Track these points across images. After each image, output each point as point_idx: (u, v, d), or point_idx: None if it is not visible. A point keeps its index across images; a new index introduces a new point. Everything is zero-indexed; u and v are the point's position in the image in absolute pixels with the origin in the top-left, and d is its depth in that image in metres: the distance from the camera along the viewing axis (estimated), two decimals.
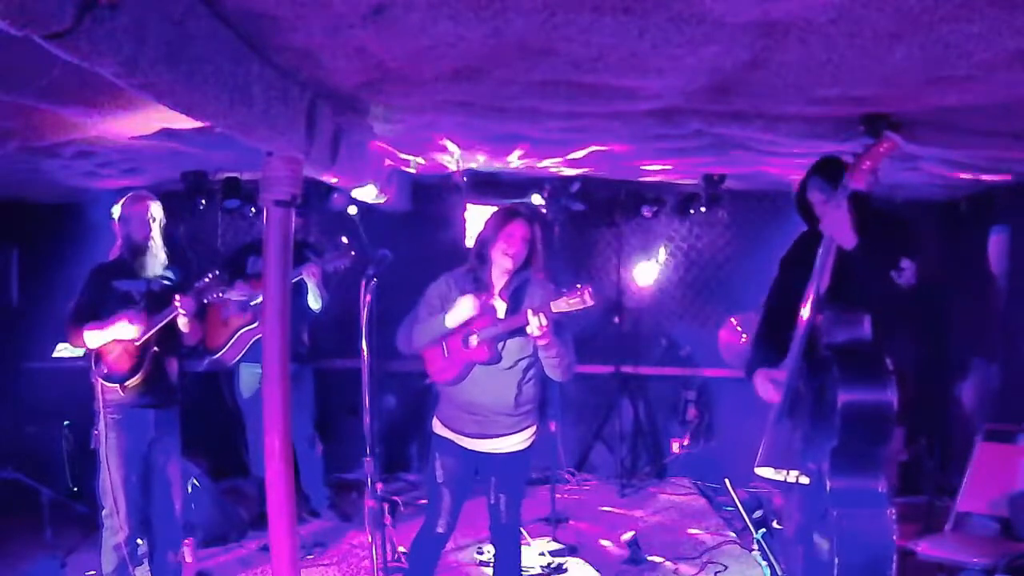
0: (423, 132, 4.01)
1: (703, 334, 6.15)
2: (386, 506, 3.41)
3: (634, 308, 6.33)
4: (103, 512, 3.59)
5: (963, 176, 4.66)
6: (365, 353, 3.08)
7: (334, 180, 3.80)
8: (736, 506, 3.91)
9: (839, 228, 2.91)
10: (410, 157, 4.84)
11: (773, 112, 3.31)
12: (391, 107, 3.42)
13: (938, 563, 3.69)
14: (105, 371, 3.55)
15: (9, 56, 2.31)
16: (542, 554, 4.41)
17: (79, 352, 3.72)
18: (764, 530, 3.57)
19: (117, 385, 3.55)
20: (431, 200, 5.92)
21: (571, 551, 4.59)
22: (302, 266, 4.54)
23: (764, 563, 3.56)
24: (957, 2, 2.02)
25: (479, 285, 3.21)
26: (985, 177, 4.68)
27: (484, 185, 5.64)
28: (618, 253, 6.27)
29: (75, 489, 4.95)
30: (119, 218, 3.70)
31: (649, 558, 4.52)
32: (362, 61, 2.68)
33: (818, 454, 2.95)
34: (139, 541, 3.81)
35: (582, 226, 6.21)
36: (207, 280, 3.65)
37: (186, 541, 3.82)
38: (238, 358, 4.72)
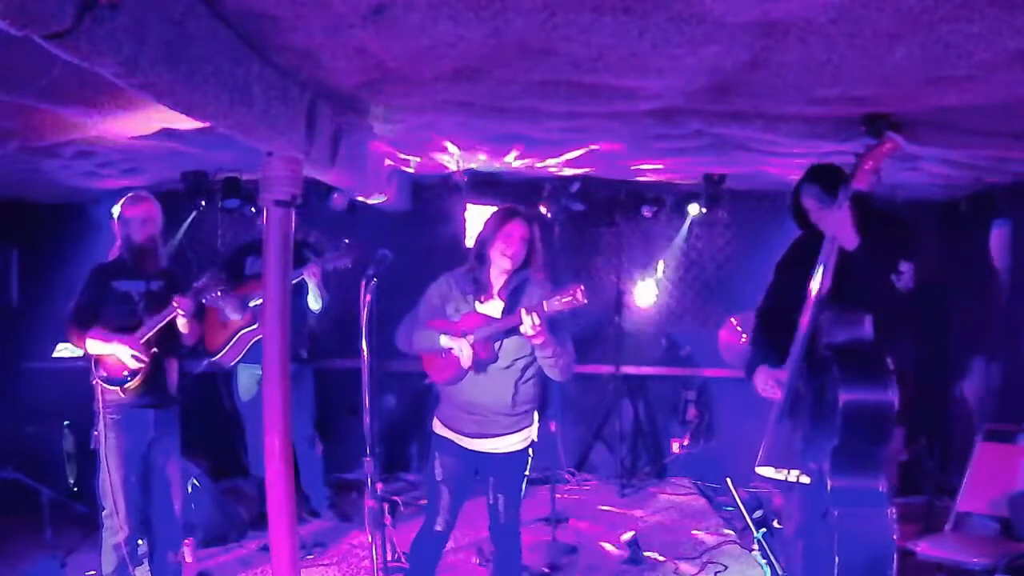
0: (423, 132, 4.01)
1: (703, 334, 6.15)
2: (386, 506, 3.40)
3: (634, 308, 6.33)
4: (103, 512, 3.59)
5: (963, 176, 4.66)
6: (365, 353, 3.08)
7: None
8: (736, 506, 3.91)
9: (841, 228, 2.91)
10: (410, 157, 4.84)
11: (773, 112, 3.31)
12: (391, 107, 3.43)
13: (938, 563, 3.69)
14: (105, 374, 3.55)
15: (9, 56, 2.31)
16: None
17: (79, 352, 3.72)
18: (764, 530, 3.57)
19: (117, 387, 3.55)
20: (431, 200, 5.92)
21: (571, 551, 4.60)
22: (303, 267, 4.54)
23: (764, 563, 3.56)
24: (957, 2, 2.02)
25: (478, 285, 3.22)
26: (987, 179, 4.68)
27: (484, 185, 5.64)
28: (618, 253, 6.27)
29: (75, 489, 4.95)
30: (118, 218, 3.70)
31: (649, 557, 4.52)
32: (362, 61, 2.68)
33: (819, 454, 2.95)
34: (139, 541, 3.80)
35: (582, 226, 6.20)
36: (205, 280, 3.65)
37: (186, 541, 3.82)
38: (237, 359, 4.72)
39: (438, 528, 3.27)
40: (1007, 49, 2.33)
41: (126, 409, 3.59)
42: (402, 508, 4.98)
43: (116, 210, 3.72)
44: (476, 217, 5.46)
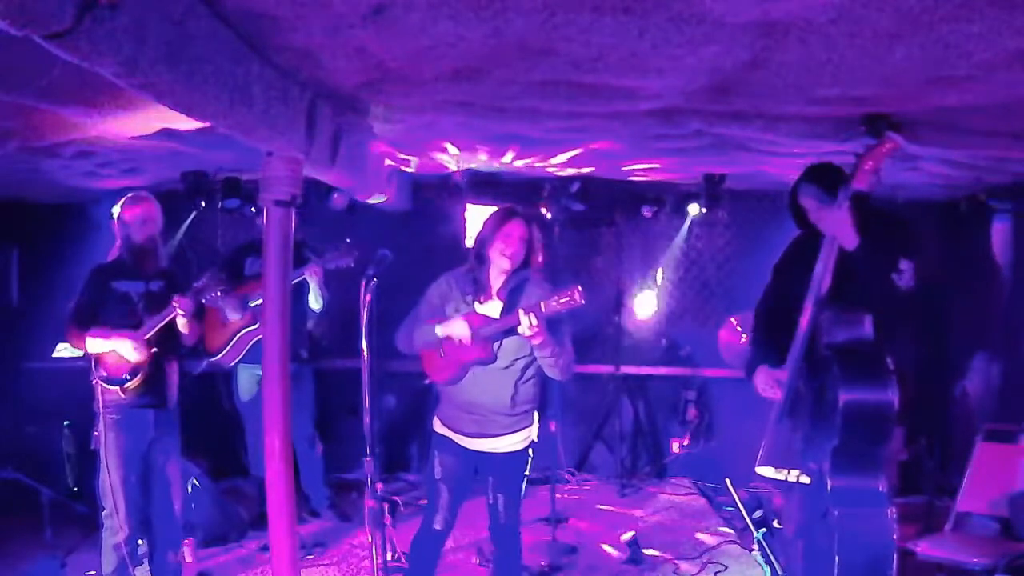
0: (423, 132, 4.01)
1: (703, 334, 6.15)
2: (386, 506, 3.40)
3: (634, 308, 6.33)
4: (103, 512, 3.59)
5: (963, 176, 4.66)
6: (365, 353, 3.08)
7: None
8: (736, 506, 3.91)
9: (841, 228, 2.91)
10: (410, 157, 4.84)
11: (773, 112, 3.31)
12: (391, 107, 3.42)
13: (938, 563, 3.69)
14: (105, 374, 3.56)
15: (9, 56, 2.31)
16: None
17: (79, 352, 3.72)
18: (764, 530, 3.57)
19: (117, 387, 3.55)
20: (431, 200, 5.92)
21: (571, 551, 4.60)
22: (304, 266, 4.55)
23: (764, 563, 3.56)
24: (957, 2, 2.02)
25: (478, 286, 3.22)
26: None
27: (484, 185, 5.64)
28: (618, 253, 6.27)
29: (75, 489, 4.95)
30: (118, 219, 3.70)
31: (649, 556, 4.52)
32: (362, 61, 2.68)
33: (819, 453, 2.95)
34: (139, 541, 3.80)
35: (582, 226, 6.20)
36: (206, 280, 3.65)
37: (186, 541, 3.82)
38: (237, 359, 4.72)
39: (437, 527, 3.27)
40: (1007, 49, 2.33)
41: (126, 409, 3.59)
42: (402, 508, 4.98)
43: (116, 210, 3.72)
44: (476, 217, 5.46)
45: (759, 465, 3.15)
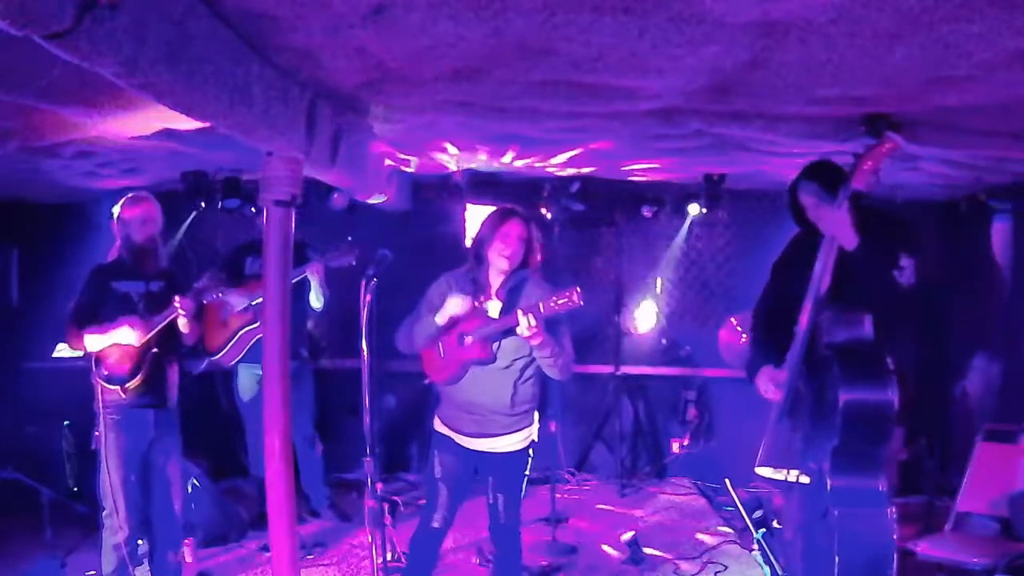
0: (423, 132, 4.01)
1: (703, 334, 6.15)
2: (386, 506, 3.41)
3: (634, 308, 6.33)
4: (103, 512, 3.59)
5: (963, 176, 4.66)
6: (365, 353, 3.08)
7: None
8: (736, 506, 3.91)
9: (840, 228, 2.91)
10: (410, 157, 4.84)
11: (773, 112, 3.31)
12: (391, 107, 3.43)
13: (938, 563, 3.69)
14: (105, 373, 3.55)
15: (9, 56, 2.31)
16: None
17: (79, 353, 3.72)
18: (764, 530, 3.57)
19: (117, 387, 3.55)
20: (431, 200, 5.92)
21: (571, 551, 4.60)
22: (306, 264, 4.55)
23: (764, 563, 3.56)
24: (957, 2, 2.02)
25: (477, 286, 3.22)
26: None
27: (484, 185, 5.64)
28: (618, 253, 6.27)
29: (75, 489, 4.95)
30: (118, 219, 3.70)
31: (649, 556, 4.52)
32: (362, 61, 2.68)
33: (819, 453, 2.95)
34: (139, 541, 3.80)
35: (582, 226, 6.21)
36: (206, 281, 3.65)
37: (186, 541, 3.82)
38: (238, 359, 4.72)
39: (435, 525, 3.27)
40: (1007, 49, 2.33)
41: (126, 409, 3.59)
42: (402, 508, 4.98)
43: (116, 210, 3.72)
44: (476, 217, 5.46)
45: (759, 465, 3.15)
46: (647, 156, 4.68)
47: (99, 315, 3.60)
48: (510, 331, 3.06)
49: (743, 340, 5.53)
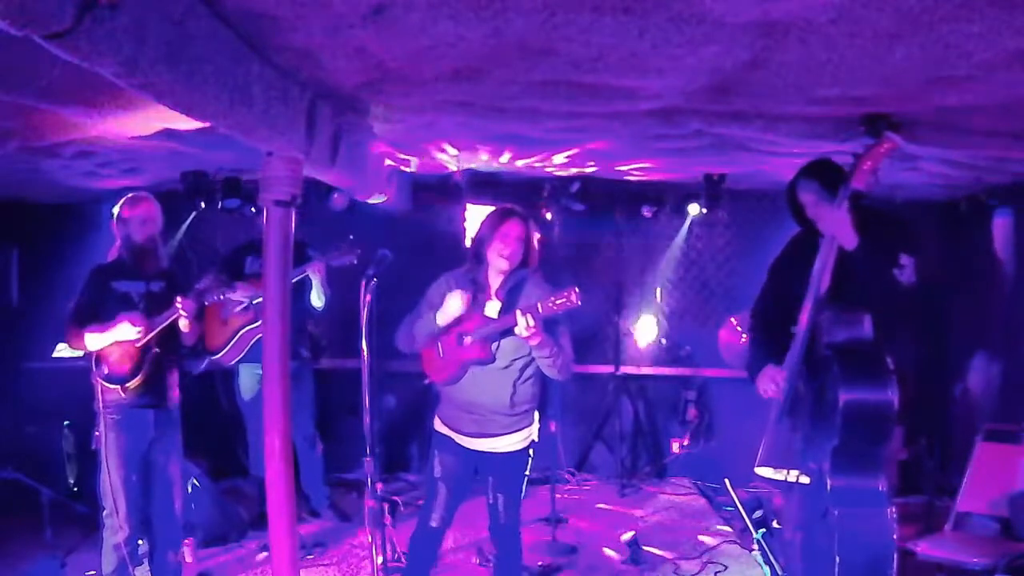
0: (423, 132, 4.01)
1: (703, 334, 6.15)
2: (386, 506, 3.41)
3: (635, 308, 6.33)
4: (103, 512, 3.59)
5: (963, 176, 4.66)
6: (365, 353, 3.09)
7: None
8: (736, 506, 3.91)
9: (840, 228, 2.91)
10: (410, 157, 4.84)
11: (773, 112, 3.31)
12: (391, 107, 3.43)
13: (938, 563, 3.69)
14: (106, 372, 3.56)
15: (9, 56, 2.31)
16: None
17: (79, 353, 3.72)
18: (764, 530, 3.57)
19: (118, 386, 3.55)
20: (431, 200, 5.92)
21: (571, 551, 4.60)
22: (307, 263, 4.55)
23: (764, 563, 3.56)
24: (957, 2, 2.02)
25: (476, 286, 3.22)
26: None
27: (484, 185, 5.64)
28: (618, 253, 6.27)
29: (75, 489, 4.95)
30: (118, 219, 3.70)
31: (649, 556, 4.52)
32: (362, 61, 2.68)
33: (819, 453, 2.95)
34: (139, 541, 3.80)
35: (582, 226, 6.21)
36: (208, 281, 3.65)
37: (186, 541, 3.82)
38: (238, 358, 4.72)
39: (433, 524, 3.27)
40: (1007, 49, 2.33)
41: (126, 409, 3.59)
42: (402, 508, 4.98)
43: (116, 210, 3.72)
44: (476, 217, 5.46)
45: (759, 465, 3.15)
46: (647, 156, 4.68)
47: (99, 315, 3.59)
48: (509, 331, 3.06)
49: (743, 340, 5.53)
